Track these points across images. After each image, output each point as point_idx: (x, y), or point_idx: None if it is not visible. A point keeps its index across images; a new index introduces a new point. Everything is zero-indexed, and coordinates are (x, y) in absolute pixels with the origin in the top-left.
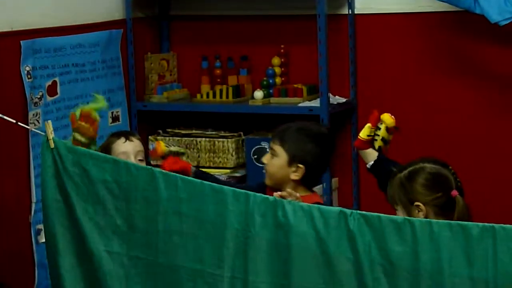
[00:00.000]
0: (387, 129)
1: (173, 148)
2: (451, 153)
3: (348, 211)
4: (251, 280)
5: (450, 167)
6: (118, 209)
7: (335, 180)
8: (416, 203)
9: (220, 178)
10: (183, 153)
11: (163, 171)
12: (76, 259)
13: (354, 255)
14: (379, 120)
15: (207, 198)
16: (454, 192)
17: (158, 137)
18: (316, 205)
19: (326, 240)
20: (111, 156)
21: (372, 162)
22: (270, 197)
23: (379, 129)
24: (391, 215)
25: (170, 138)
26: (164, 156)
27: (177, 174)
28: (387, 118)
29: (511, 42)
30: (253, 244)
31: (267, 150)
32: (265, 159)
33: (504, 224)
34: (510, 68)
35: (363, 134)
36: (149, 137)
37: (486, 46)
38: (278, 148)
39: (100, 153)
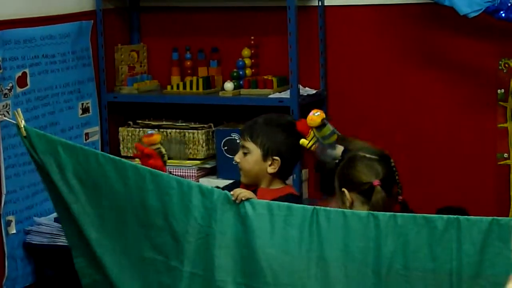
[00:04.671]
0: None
1: (162, 149)
2: (420, 144)
3: (310, 207)
4: (214, 278)
5: (390, 160)
6: (88, 197)
7: (305, 171)
8: (343, 189)
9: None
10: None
11: (131, 162)
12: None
13: (319, 251)
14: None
15: (173, 192)
16: (375, 182)
17: (129, 129)
18: (278, 202)
19: (289, 237)
20: (79, 145)
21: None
22: (230, 194)
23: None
24: (356, 210)
25: (141, 129)
26: (149, 149)
27: (146, 167)
28: (312, 121)
29: (479, 34)
30: (214, 240)
31: (238, 141)
32: (238, 157)
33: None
34: (478, 59)
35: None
36: (119, 128)
37: (455, 38)
38: (249, 144)
39: (69, 142)
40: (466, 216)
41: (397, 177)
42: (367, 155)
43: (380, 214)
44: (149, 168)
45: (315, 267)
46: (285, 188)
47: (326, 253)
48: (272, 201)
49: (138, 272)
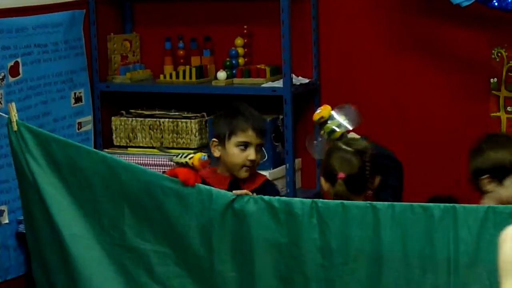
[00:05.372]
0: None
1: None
2: (413, 133)
3: (308, 201)
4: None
5: (366, 155)
6: (82, 192)
7: (298, 161)
8: (321, 176)
9: None
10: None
11: (123, 160)
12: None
13: (320, 242)
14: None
15: (168, 190)
16: (340, 175)
17: (122, 118)
18: (280, 197)
19: (288, 230)
20: (72, 141)
21: None
22: (230, 193)
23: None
24: (354, 201)
25: (133, 119)
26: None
27: (138, 165)
28: (313, 117)
29: (472, 23)
30: (216, 236)
31: None
32: (256, 156)
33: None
34: (471, 48)
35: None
36: (112, 118)
37: (448, 27)
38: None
39: (62, 138)
40: (462, 205)
41: (367, 173)
42: (343, 147)
43: (379, 203)
44: (140, 166)
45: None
46: (260, 175)
47: (329, 243)
48: (274, 197)
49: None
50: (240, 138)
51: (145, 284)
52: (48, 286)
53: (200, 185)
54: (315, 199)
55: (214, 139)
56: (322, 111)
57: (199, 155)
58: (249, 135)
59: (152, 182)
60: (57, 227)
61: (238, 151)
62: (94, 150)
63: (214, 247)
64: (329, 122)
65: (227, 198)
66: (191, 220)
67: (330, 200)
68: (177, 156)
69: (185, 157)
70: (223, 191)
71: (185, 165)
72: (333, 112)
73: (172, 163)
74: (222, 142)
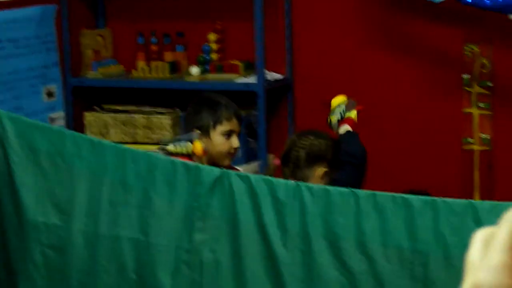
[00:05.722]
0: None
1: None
2: (386, 128)
3: (293, 183)
4: (195, 249)
5: (299, 143)
6: (60, 180)
7: (271, 156)
8: None
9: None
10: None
11: (109, 142)
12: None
13: (301, 227)
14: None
15: (156, 169)
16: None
17: (94, 113)
18: (266, 177)
19: (274, 212)
20: (57, 127)
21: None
22: (217, 169)
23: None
24: (337, 187)
25: (106, 114)
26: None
27: (125, 147)
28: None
29: (446, 19)
30: (200, 215)
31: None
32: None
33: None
34: (444, 45)
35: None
36: (85, 113)
37: (422, 23)
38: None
39: (46, 124)
40: (442, 198)
41: (291, 161)
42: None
43: (361, 191)
44: (128, 147)
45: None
46: None
47: (309, 228)
48: (264, 176)
49: (112, 253)
50: (225, 127)
51: (120, 271)
52: (6, 272)
53: (188, 162)
54: (299, 182)
55: (197, 131)
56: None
57: (199, 142)
58: (233, 123)
59: (141, 161)
60: (23, 212)
61: (223, 140)
62: (80, 134)
63: (196, 224)
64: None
65: (214, 174)
66: (175, 197)
67: (313, 184)
68: (169, 145)
69: (181, 146)
70: (209, 167)
71: (183, 154)
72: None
73: (161, 152)
74: (206, 133)
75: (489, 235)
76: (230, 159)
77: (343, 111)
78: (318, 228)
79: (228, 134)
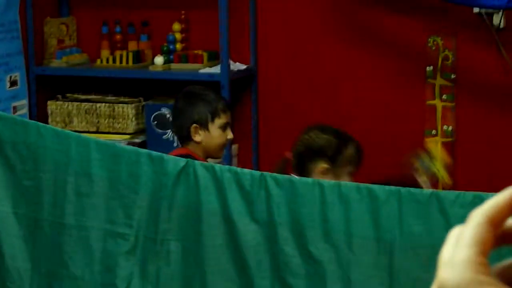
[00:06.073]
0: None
1: None
2: (350, 119)
3: (258, 173)
4: (162, 239)
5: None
6: (26, 171)
7: (234, 147)
8: None
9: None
10: None
11: (75, 132)
12: None
13: (266, 215)
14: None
15: (121, 159)
16: (287, 154)
17: (58, 102)
18: (230, 167)
19: (240, 201)
20: (20, 117)
21: None
22: (182, 159)
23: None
24: (302, 177)
25: (69, 103)
26: None
27: (90, 137)
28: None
29: (409, 11)
30: (165, 205)
31: (167, 116)
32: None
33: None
34: (408, 37)
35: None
36: (48, 102)
37: (385, 15)
38: None
39: (9, 115)
40: (407, 188)
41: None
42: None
43: (325, 181)
44: (92, 137)
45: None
46: None
47: (274, 217)
48: (227, 166)
49: (78, 243)
50: (223, 119)
51: (87, 261)
52: None
53: (152, 152)
54: (263, 172)
55: (195, 125)
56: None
57: None
58: (228, 115)
59: (105, 151)
60: None
61: (220, 132)
62: (43, 124)
63: (161, 214)
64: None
65: (179, 164)
66: (141, 188)
67: (278, 174)
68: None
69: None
70: (173, 157)
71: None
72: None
73: None
74: (204, 126)
75: (460, 232)
76: (223, 152)
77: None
78: (283, 217)
79: (224, 127)
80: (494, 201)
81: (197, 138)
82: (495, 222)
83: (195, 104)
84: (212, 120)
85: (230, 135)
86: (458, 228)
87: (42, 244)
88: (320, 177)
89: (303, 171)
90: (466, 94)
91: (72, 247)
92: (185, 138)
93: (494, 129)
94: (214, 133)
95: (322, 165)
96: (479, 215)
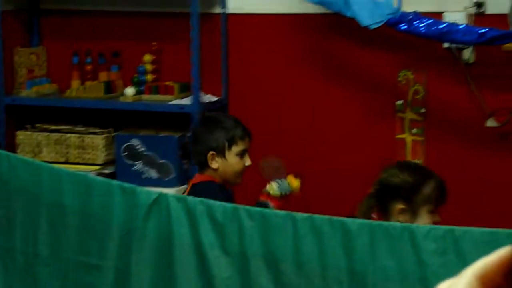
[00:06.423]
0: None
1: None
2: (320, 153)
3: (231, 205)
4: (135, 272)
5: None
6: (1, 199)
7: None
8: None
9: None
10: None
11: (45, 163)
12: None
13: (239, 248)
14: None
15: (93, 190)
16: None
17: (27, 132)
18: (203, 199)
19: (212, 234)
20: None
21: None
22: (154, 191)
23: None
24: (274, 210)
25: (39, 133)
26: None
27: (61, 168)
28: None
29: (380, 45)
30: (137, 237)
31: (137, 147)
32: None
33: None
34: (379, 71)
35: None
36: (17, 132)
37: (356, 49)
38: None
39: None
40: (379, 221)
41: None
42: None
43: (298, 214)
44: (64, 169)
45: (236, 262)
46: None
47: (247, 249)
48: (199, 199)
49: (52, 274)
50: (240, 146)
51: None
52: None
53: (124, 183)
54: (236, 205)
55: (212, 152)
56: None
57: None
58: (246, 142)
59: (77, 182)
60: None
61: (238, 160)
62: (14, 154)
63: (133, 246)
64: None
65: (151, 196)
66: (113, 219)
67: (251, 207)
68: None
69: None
70: (146, 189)
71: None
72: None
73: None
74: (221, 153)
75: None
76: (241, 178)
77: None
78: (256, 250)
79: (242, 154)
80: (485, 261)
81: (214, 165)
82: (486, 282)
83: (213, 131)
84: (229, 148)
85: (248, 161)
86: (447, 282)
87: (15, 274)
88: (398, 217)
89: (384, 211)
90: (436, 128)
91: (46, 278)
92: (203, 164)
93: (463, 163)
94: (231, 161)
95: (399, 206)
96: (470, 274)
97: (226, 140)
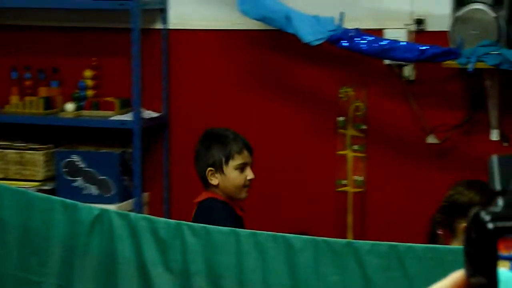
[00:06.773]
0: None
1: None
2: (263, 169)
3: (174, 221)
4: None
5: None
6: None
7: (145, 195)
8: None
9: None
10: None
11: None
12: None
13: (182, 265)
14: None
15: (33, 206)
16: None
17: None
18: (145, 215)
19: (155, 250)
20: None
21: None
22: (96, 208)
23: None
24: (218, 226)
25: None
26: None
27: (0, 184)
28: None
29: (321, 62)
30: (79, 253)
31: (78, 163)
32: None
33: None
34: (320, 87)
35: None
36: None
37: (298, 65)
38: None
39: None
40: (323, 238)
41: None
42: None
43: (241, 230)
44: (4, 184)
45: (179, 279)
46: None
47: (190, 266)
48: (142, 215)
49: None
50: (238, 160)
51: None
52: None
53: (66, 199)
54: (179, 221)
55: (210, 168)
56: None
57: None
58: (245, 156)
59: (17, 198)
60: None
61: (238, 174)
62: None
63: (75, 262)
64: None
65: (93, 212)
66: (54, 236)
67: (194, 223)
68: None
69: None
70: (88, 205)
71: None
72: None
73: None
74: (219, 169)
75: None
76: (247, 192)
77: None
78: (199, 266)
79: (241, 168)
80: (439, 285)
81: (213, 181)
82: None
83: (210, 148)
84: (227, 163)
85: (250, 175)
86: None
87: None
88: (462, 236)
89: (451, 229)
90: (377, 145)
91: None
92: (205, 181)
93: (404, 179)
94: (230, 175)
95: (464, 224)
96: None
97: (222, 155)
